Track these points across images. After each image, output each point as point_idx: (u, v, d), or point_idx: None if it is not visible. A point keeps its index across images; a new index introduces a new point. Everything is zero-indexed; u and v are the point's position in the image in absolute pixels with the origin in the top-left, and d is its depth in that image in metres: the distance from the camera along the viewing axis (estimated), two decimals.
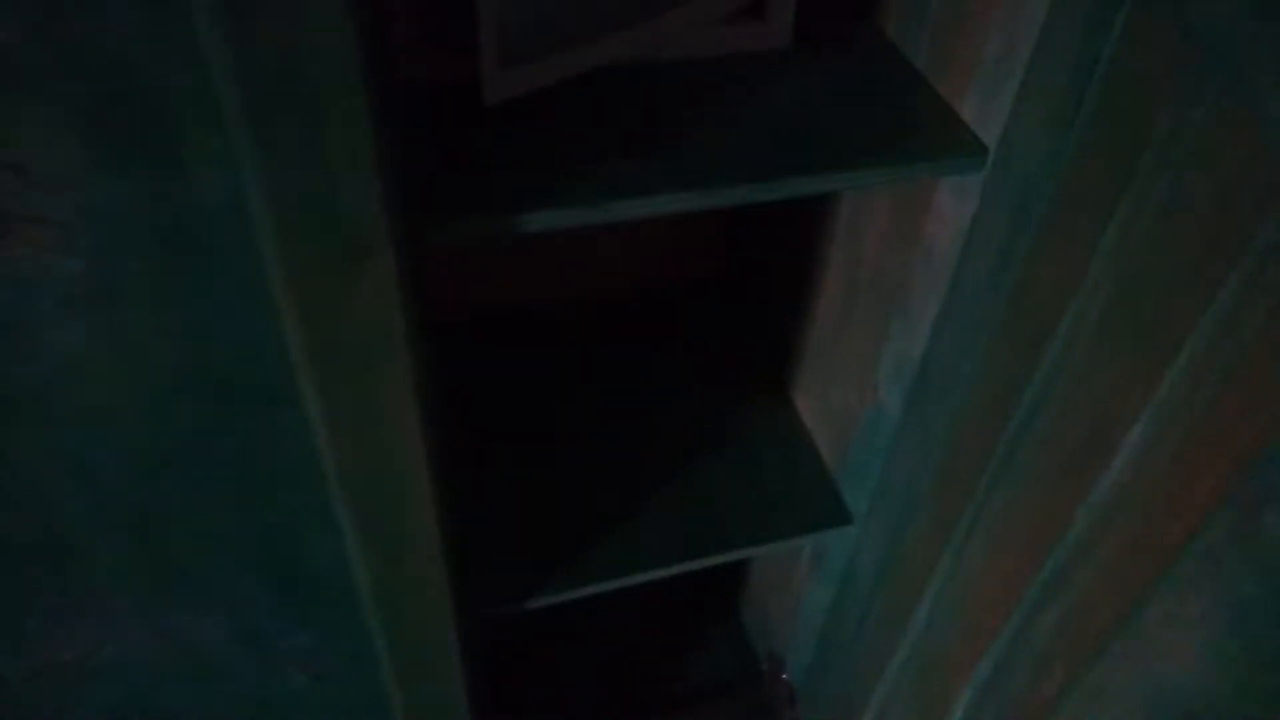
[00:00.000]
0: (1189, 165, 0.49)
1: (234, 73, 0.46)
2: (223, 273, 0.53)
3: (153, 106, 0.47)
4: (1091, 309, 0.58)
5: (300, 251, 0.53)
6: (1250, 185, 0.44)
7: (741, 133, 0.72)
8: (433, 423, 0.71)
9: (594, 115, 0.72)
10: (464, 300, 1.21)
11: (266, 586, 0.72)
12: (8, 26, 0.43)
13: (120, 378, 0.56)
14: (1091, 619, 0.60)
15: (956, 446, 0.80)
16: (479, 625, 0.96)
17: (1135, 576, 0.51)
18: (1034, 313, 0.66)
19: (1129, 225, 0.54)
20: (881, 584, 0.99)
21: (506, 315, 1.23)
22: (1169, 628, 0.49)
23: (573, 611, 1.47)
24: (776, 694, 1.34)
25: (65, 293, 0.52)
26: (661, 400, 1.14)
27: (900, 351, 0.89)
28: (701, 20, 0.76)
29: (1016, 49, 0.68)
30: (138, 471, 0.62)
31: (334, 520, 0.68)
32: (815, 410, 1.11)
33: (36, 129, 0.46)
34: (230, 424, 0.60)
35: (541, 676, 1.41)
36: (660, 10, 0.73)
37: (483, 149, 0.67)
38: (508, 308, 1.24)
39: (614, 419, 1.12)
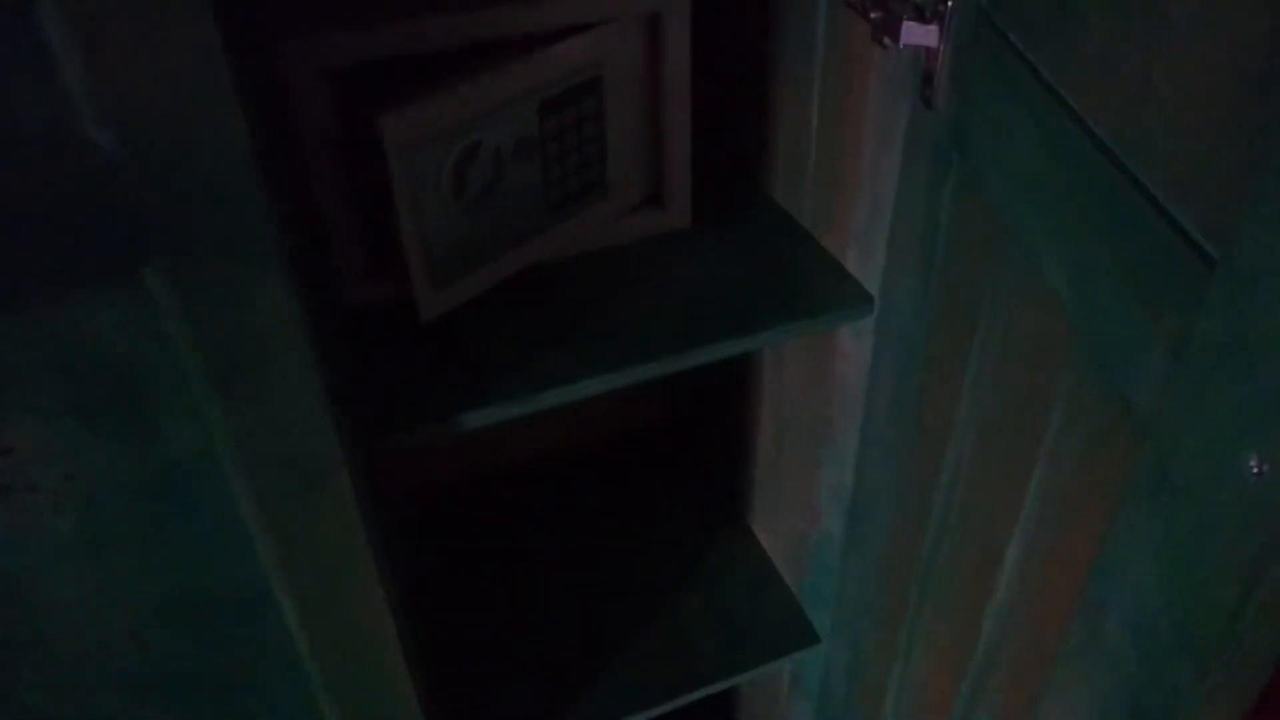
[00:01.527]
0: (1009, 321, 0.57)
1: (197, 347, 0.54)
2: (198, 512, 0.60)
3: (127, 381, 0.54)
4: (967, 439, 0.66)
5: (265, 486, 0.60)
6: (1046, 337, 0.52)
7: (655, 311, 0.81)
8: (404, 605, 0.77)
9: (520, 313, 0.80)
10: (423, 468, 1.28)
11: None
12: (6, 340, 0.50)
13: (111, 614, 0.62)
14: None
15: (890, 565, 0.86)
16: None
17: (1032, 679, 0.58)
18: (928, 442, 0.74)
19: (980, 369, 0.62)
20: (852, 696, 1.04)
21: (468, 476, 1.30)
22: None
23: None
24: None
25: (56, 547, 0.58)
26: (627, 544, 1.20)
27: (833, 479, 0.97)
28: (609, 215, 0.86)
29: (881, 211, 0.78)
30: (132, 694, 0.67)
31: (320, 713, 0.73)
32: (772, 538, 1.17)
33: (25, 415, 0.53)
34: (216, 642, 0.66)
35: None
36: (571, 213, 0.83)
37: (422, 361, 0.75)
38: (469, 469, 1.30)
39: (581, 567, 1.17)
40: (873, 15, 0.67)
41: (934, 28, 0.63)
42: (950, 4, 0.61)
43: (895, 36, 0.64)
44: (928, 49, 0.65)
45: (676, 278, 0.84)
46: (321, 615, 0.67)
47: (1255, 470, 0.37)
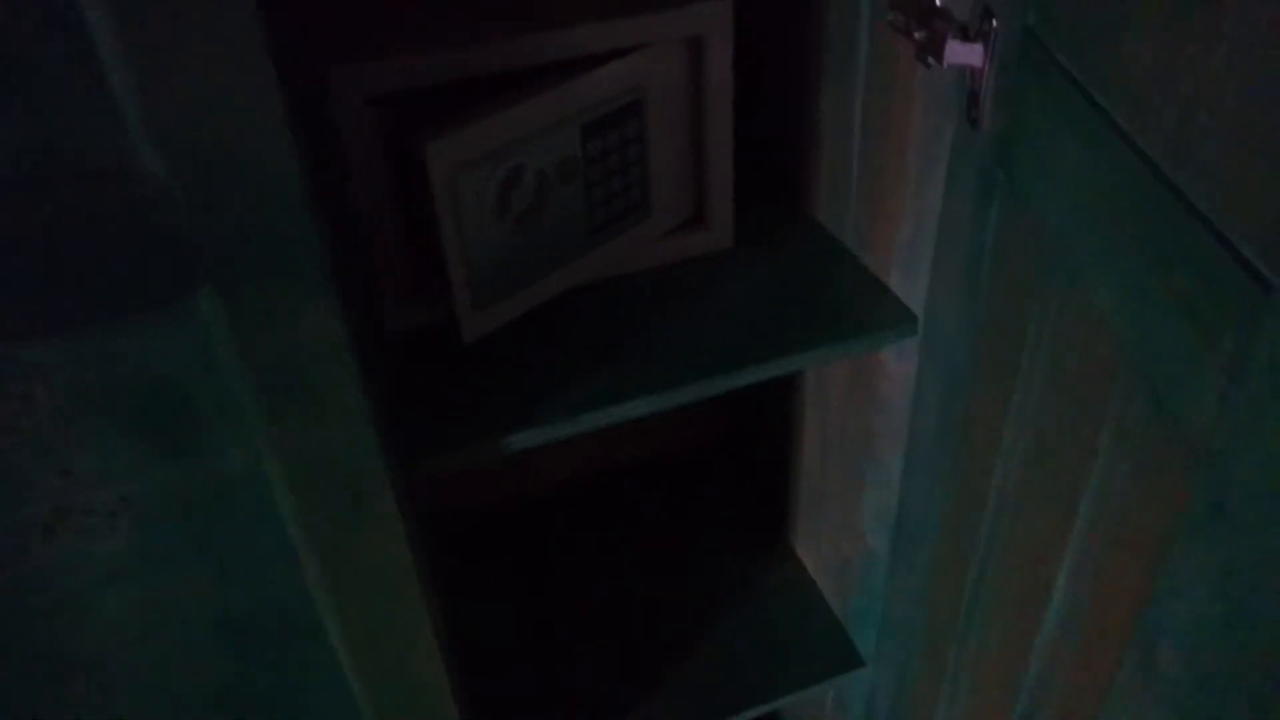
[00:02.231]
0: (1057, 340, 0.56)
1: (246, 369, 0.55)
2: (245, 532, 0.61)
3: (180, 404, 0.55)
4: (1013, 462, 0.65)
5: (312, 505, 0.60)
6: (1095, 360, 0.52)
7: (698, 331, 0.81)
8: (447, 626, 0.77)
9: (564, 334, 0.81)
10: (463, 487, 1.28)
11: None
12: (65, 361, 0.52)
13: (162, 635, 0.63)
14: None
15: (936, 590, 0.85)
16: None
17: (1084, 711, 0.56)
18: (974, 464, 0.73)
19: (1027, 390, 0.61)
20: None
21: (509, 495, 1.30)
22: None
23: None
24: None
25: (110, 569, 0.59)
26: (669, 565, 1.19)
27: (878, 499, 0.96)
28: (651, 236, 0.86)
29: (924, 231, 0.77)
30: (182, 713, 0.68)
31: None
32: (816, 560, 1.16)
33: (84, 438, 0.55)
34: (263, 663, 0.67)
35: None
36: (613, 234, 0.83)
37: (465, 382, 0.76)
38: (510, 488, 1.31)
39: (623, 588, 1.17)
40: (916, 35, 0.66)
41: (978, 47, 0.63)
42: (995, 23, 0.61)
43: (939, 56, 0.64)
44: (972, 68, 0.64)
45: (719, 298, 0.84)
46: (366, 636, 0.67)
47: None
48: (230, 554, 0.61)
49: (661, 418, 1.33)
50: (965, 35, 0.63)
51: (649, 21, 0.76)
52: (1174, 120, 0.43)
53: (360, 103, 0.71)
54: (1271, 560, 0.39)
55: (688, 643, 1.10)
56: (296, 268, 0.52)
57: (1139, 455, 0.49)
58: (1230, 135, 0.40)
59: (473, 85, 0.72)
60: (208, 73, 0.46)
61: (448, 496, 1.26)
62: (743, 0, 0.79)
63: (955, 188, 0.70)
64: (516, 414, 0.73)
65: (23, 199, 0.47)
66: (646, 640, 1.11)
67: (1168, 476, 0.46)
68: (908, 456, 0.87)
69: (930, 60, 0.65)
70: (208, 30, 0.45)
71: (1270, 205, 0.38)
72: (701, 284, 0.86)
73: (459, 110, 0.71)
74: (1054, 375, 0.58)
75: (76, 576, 0.58)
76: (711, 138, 0.83)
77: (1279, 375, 0.37)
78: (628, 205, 0.83)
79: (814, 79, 0.88)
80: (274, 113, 0.48)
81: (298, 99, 0.51)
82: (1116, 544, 0.53)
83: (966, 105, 0.66)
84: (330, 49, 0.72)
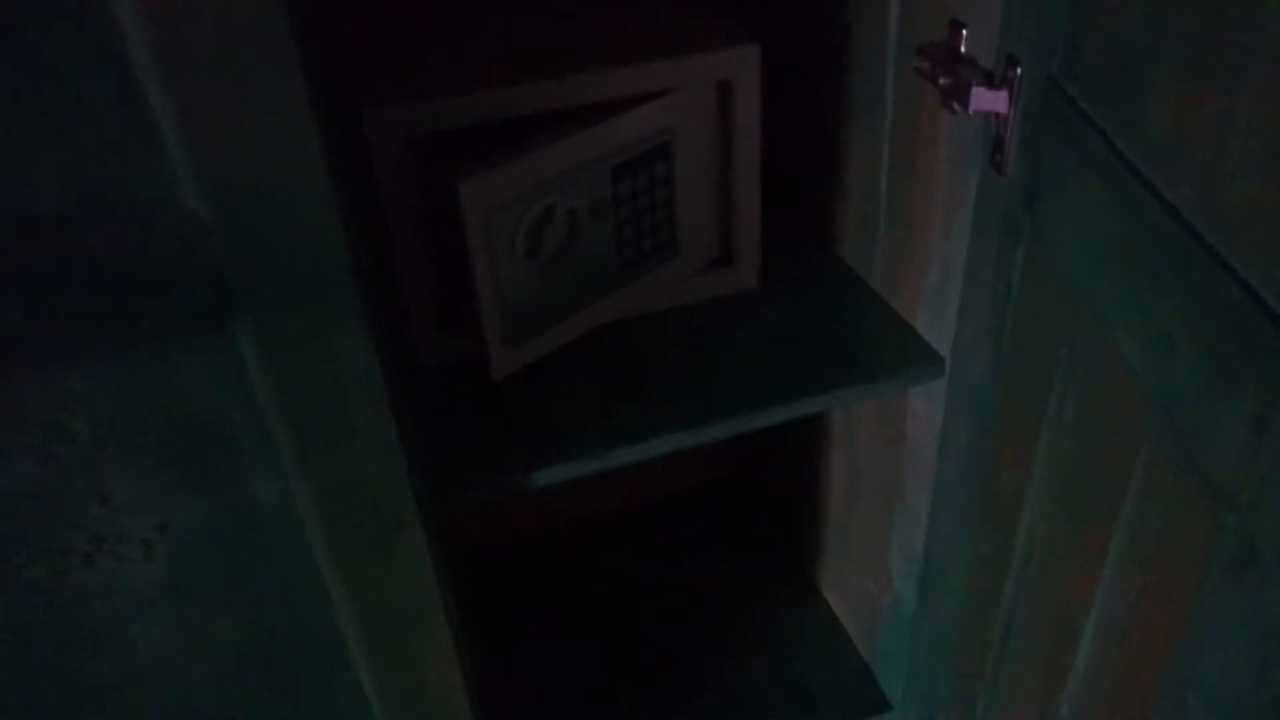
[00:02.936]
0: (1084, 385, 0.56)
1: (281, 401, 0.56)
2: (276, 561, 0.62)
3: (215, 434, 0.57)
4: (1041, 506, 0.65)
5: (342, 536, 0.61)
6: (1122, 406, 0.52)
7: (725, 370, 0.81)
8: (469, 660, 0.77)
9: (592, 371, 0.82)
10: (489, 522, 1.29)
11: None
12: (103, 391, 0.53)
13: (193, 660, 0.64)
14: None
15: (964, 633, 0.84)
16: None
17: None
18: (1001, 508, 0.72)
19: (1055, 433, 0.61)
20: None
21: (532, 528, 1.30)
22: None
23: None
24: None
25: (145, 595, 0.60)
26: (693, 603, 1.19)
27: (905, 541, 0.95)
28: (679, 275, 0.87)
29: (951, 274, 0.77)
30: None
31: None
32: (842, 600, 1.15)
33: (122, 467, 0.56)
34: (291, 691, 0.67)
35: None
36: (642, 273, 0.84)
37: (494, 418, 0.77)
38: (533, 521, 1.31)
39: (646, 625, 1.16)
40: (942, 81, 0.67)
41: (1003, 94, 0.64)
42: (1020, 71, 0.61)
43: (965, 102, 0.65)
44: (997, 115, 0.65)
45: (746, 337, 0.85)
46: (392, 667, 0.68)
47: None
48: (261, 583, 0.62)
49: (687, 451, 1.33)
50: (990, 82, 0.64)
51: (680, 66, 0.77)
52: (1200, 170, 0.44)
53: (396, 143, 0.72)
54: None
55: (711, 682, 1.09)
56: (332, 302, 0.54)
57: (1168, 503, 0.49)
58: (1258, 186, 0.40)
59: (506, 124, 0.74)
60: (249, 116, 0.47)
61: (466, 528, 1.26)
62: (771, 44, 0.80)
63: (981, 232, 0.71)
64: (544, 449, 0.73)
65: (70, 234, 0.48)
66: (669, 679, 1.10)
67: (1197, 524, 0.46)
68: (935, 497, 0.87)
69: (956, 106, 0.66)
70: (250, 77, 0.46)
71: None
72: (728, 323, 0.87)
73: (492, 148, 0.72)
74: (1081, 420, 0.58)
75: (112, 603, 0.59)
76: (739, 179, 0.84)
77: None
78: (656, 244, 0.84)
79: (841, 122, 0.89)
80: (312, 155, 0.50)
81: (334, 138, 0.53)
82: (1145, 592, 0.52)
83: (991, 151, 0.66)
84: (367, 87, 0.74)
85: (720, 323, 0.87)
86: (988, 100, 0.64)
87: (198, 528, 0.59)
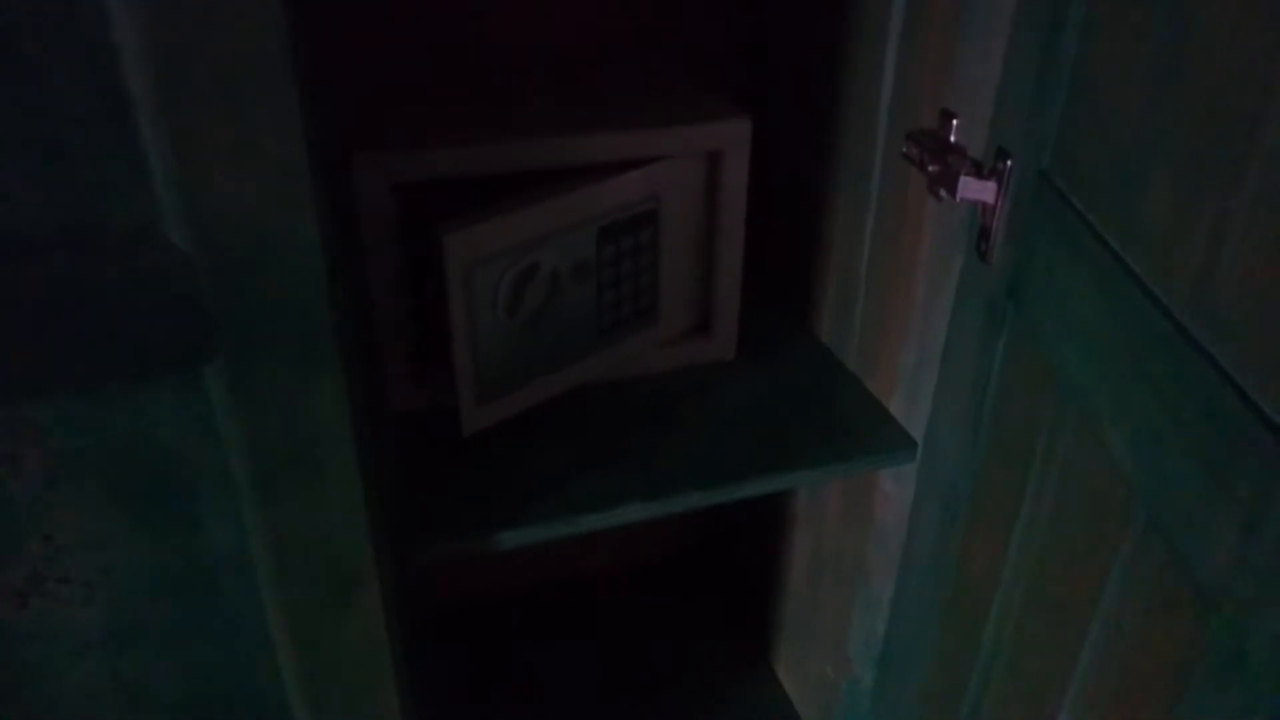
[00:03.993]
0: (1065, 478, 0.56)
1: (246, 446, 0.54)
2: (224, 611, 0.59)
3: (174, 475, 0.54)
4: (1013, 599, 0.64)
5: (296, 589, 0.59)
6: (1105, 501, 0.51)
7: (696, 441, 0.80)
8: None
9: (561, 433, 0.80)
10: (452, 580, 1.25)
11: None
12: (62, 423, 0.51)
13: (128, 713, 0.60)
14: None
15: None
16: None
17: None
18: (970, 598, 0.72)
19: (1031, 524, 0.61)
20: None
21: (489, 590, 1.27)
22: None
23: None
24: None
25: (83, 641, 0.57)
26: (647, 676, 1.16)
27: (867, 626, 0.94)
28: (657, 342, 0.87)
29: (928, 357, 0.78)
30: None
31: None
32: (798, 682, 1.13)
33: (71, 503, 0.53)
34: None
35: None
36: (620, 338, 0.84)
37: (460, 475, 0.75)
38: (491, 583, 1.28)
39: (599, 697, 1.13)
40: (930, 168, 0.68)
41: (992, 184, 0.64)
42: (1010, 163, 0.62)
43: (952, 190, 0.66)
44: (984, 204, 0.66)
45: (719, 409, 0.84)
46: None
47: None
48: (205, 634, 0.59)
49: (650, 519, 1.31)
50: (979, 172, 0.65)
51: (671, 135, 0.78)
52: (1193, 270, 0.44)
53: (384, 189, 0.72)
54: None
55: None
56: (310, 347, 0.52)
57: (1149, 602, 0.48)
58: (1252, 288, 0.41)
59: (495, 181, 0.74)
60: (243, 153, 0.46)
61: (422, 586, 1.23)
62: (761, 117, 0.81)
63: (962, 318, 0.71)
64: (510, 512, 0.72)
65: (48, 259, 0.47)
66: None
67: (1180, 627, 0.45)
68: (900, 582, 0.86)
69: (943, 193, 0.67)
70: (247, 114, 0.46)
71: None
72: (702, 394, 0.86)
73: (477, 202, 0.72)
74: (1060, 514, 0.57)
75: (45, 648, 0.56)
76: (722, 250, 0.85)
77: None
78: (636, 310, 0.84)
79: (826, 200, 0.90)
80: (303, 195, 0.48)
81: (325, 181, 0.52)
82: (1121, 696, 0.51)
83: (977, 239, 0.67)
84: (359, 132, 0.73)
85: (694, 393, 0.86)
86: (975, 190, 0.65)
87: (144, 572, 0.56)
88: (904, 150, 0.70)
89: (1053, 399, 0.58)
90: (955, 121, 0.69)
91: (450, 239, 0.68)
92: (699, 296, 0.88)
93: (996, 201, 0.64)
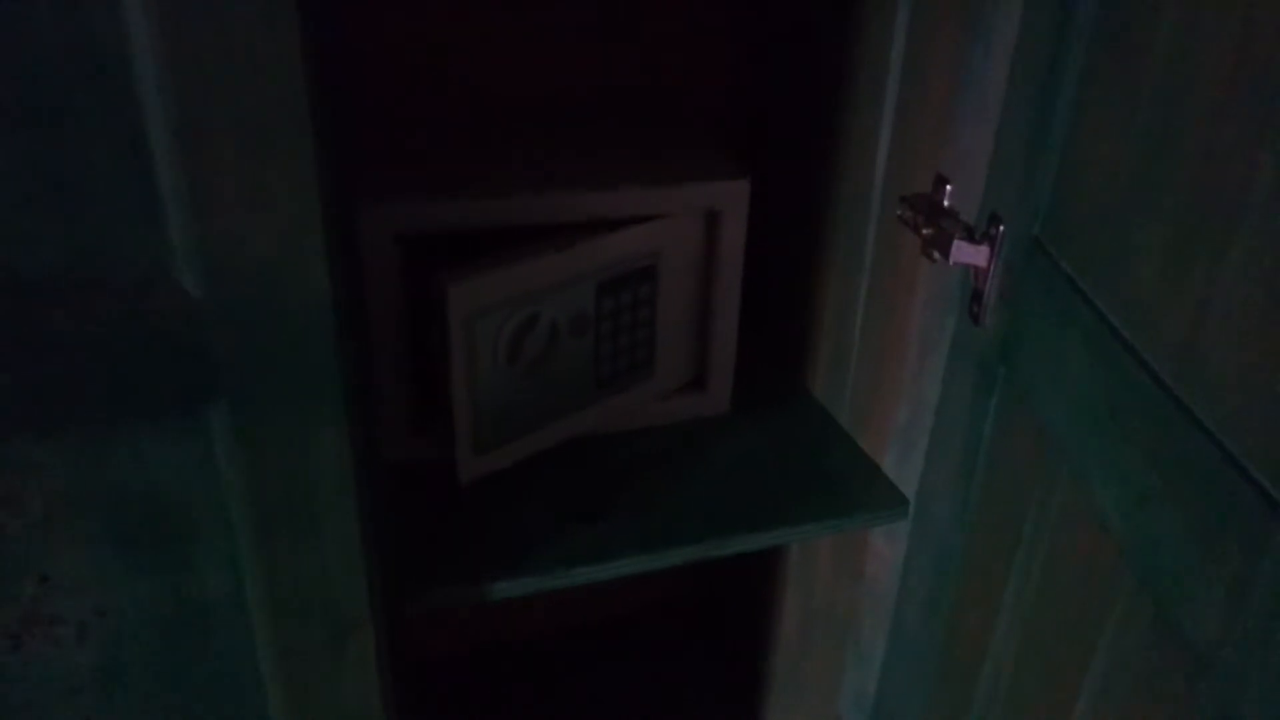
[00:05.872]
0: (1056, 539, 0.57)
1: (246, 490, 0.54)
2: (217, 656, 0.59)
3: (172, 517, 0.54)
4: (1005, 658, 0.64)
5: (290, 635, 0.59)
6: (1096, 562, 0.52)
7: (691, 495, 0.81)
8: None
9: (557, 485, 0.80)
10: (442, 628, 1.24)
11: None
12: (64, 462, 0.51)
13: None
14: None
15: None
16: None
17: None
18: (962, 657, 0.72)
19: (1023, 584, 0.62)
20: None
21: (484, 639, 1.26)
22: None
23: None
24: None
25: (73, 683, 0.57)
26: None
27: (858, 684, 0.93)
28: (652, 395, 0.88)
29: (921, 415, 0.79)
30: None
31: None
32: None
33: (68, 544, 0.53)
34: None
35: None
36: (616, 390, 0.84)
37: (455, 525, 0.75)
38: (481, 639, 1.27)
39: None
40: (924, 231, 0.70)
41: (984, 249, 0.66)
42: (1002, 229, 0.64)
43: (945, 253, 0.67)
44: (977, 268, 0.67)
45: (713, 463, 0.85)
46: None
47: None
48: (196, 679, 0.59)
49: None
50: (971, 236, 0.67)
51: (672, 193, 0.79)
52: (1180, 335, 0.46)
53: (387, 239, 0.73)
54: None
55: None
56: (316, 394, 0.53)
57: (1140, 662, 0.49)
58: (1238, 353, 0.42)
59: (497, 233, 0.75)
60: (259, 202, 0.48)
61: (413, 634, 1.22)
62: (759, 177, 0.83)
63: (954, 378, 0.72)
64: (506, 561, 0.72)
65: (58, 302, 0.47)
66: None
67: (1172, 689, 0.46)
68: (891, 640, 0.86)
69: (936, 255, 0.68)
70: (266, 163, 0.47)
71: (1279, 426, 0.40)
72: (695, 448, 0.87)
73: (481, 255, 0.73)
74: (1051, 574, 0.58)
75: (34, 690, 0.56)
76: (718, 306, 0.86)
77: None
78: (633, 363, 0.85)
79: (821, 259, 0.92)
80: (316, 244, 0.50)
81: (335, 230, 0.53)
82: None
83: (969, 302, 0.69)
84: (365, 183, 0.74)
85: (688, 447, 0.87)
86: (968, 254, 0.67)
87: (138, 615, 0.56)
88: (899, 213, 0.72)
89: (1043, 460, 0.59)
90: (949, 187, 0.71)
91: (454, 290, 0.69)
92: (695, 351, 0.89)
93: (989, 265, 0.66)
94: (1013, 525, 0.62)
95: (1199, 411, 0.44)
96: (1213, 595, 0.42)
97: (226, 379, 0.51)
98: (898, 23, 0.76)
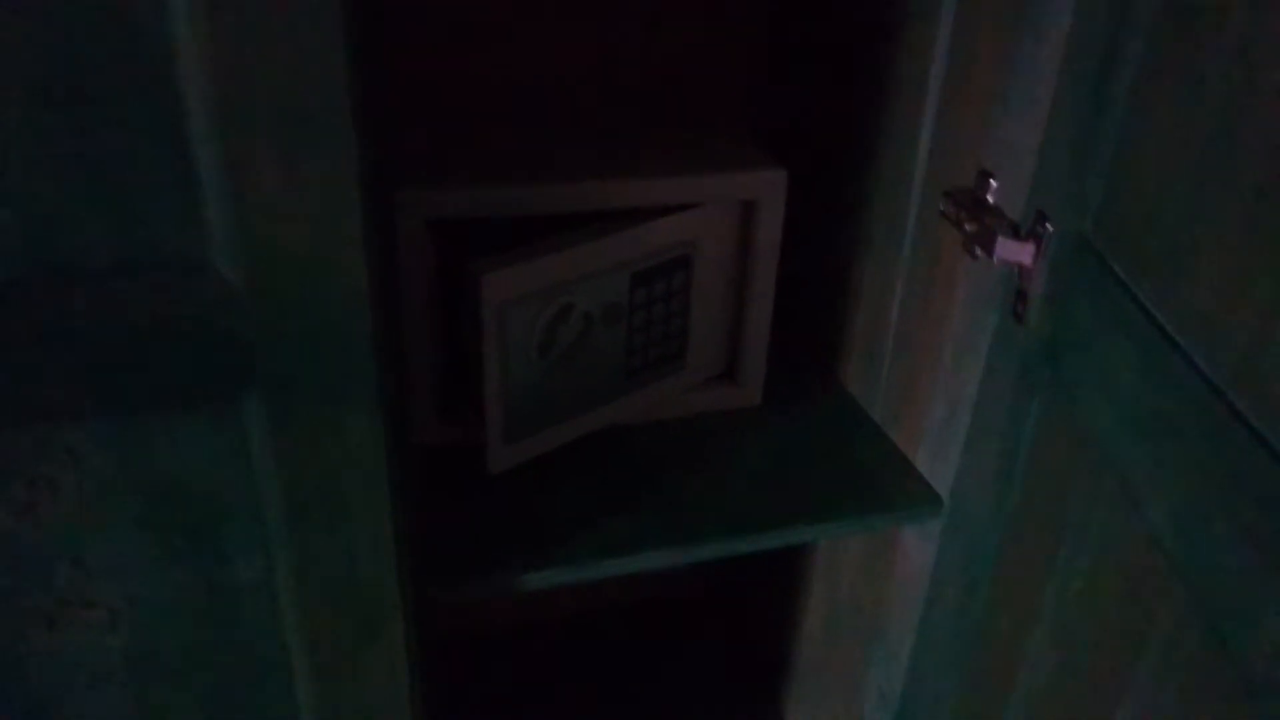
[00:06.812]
0: (1100, 550, 0.56)
1: (279, 479, 0.54)
2: (246, 643, 0.59)
3: (205, 505, 0.54)
4: (1039, 673, 0.63)
5: (319, 622, 0.58)
6: (1142, 577, 0.51)
7: (720, 488, 0.80)
8: None
9: (587, 476, 0.80)
10: (466, 613, 1.25)
11: None
12: (99, 447, 0.51)
13: None
14: None
15: None
16: None
17: None
18: (995, 660, 0.71)
19: (1062, 595, 0.60)
20: None
21: (509, 623, 1.26)
22: None
23: None
24: None
25: (104, 668, 0.57)
26: (658, 717, 1.15)
27: (883, 682, 0.93)
28: (684, 387, 0.87)
29: (957, 414, 0.77)
30: None
31: None
32: None
33: (102, 529, 0.53)
34: None
35: None
36: (648, 381, 0.84)
37: (485, 514, 0.75)
38: (506, 626, 1.27)
39: None
40: (967, 226, 0.68)
41: (1030, 246, 0.64)
42: (1049, 227, 0.63)
43: (989, 250, 0.66)
44: (1021, 266, 0.66)
45: (744, 456, 0.84)
46: None
47: None
48: (225, 665, 0.59)
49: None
50: (1016, 234, 0.65)
51: (708, 182, 0.78)
52: (1242, 345, 0.44)
53: (420, 225, 0.72)
54: None
55: None
56: (350, 383, 0.52)
57: (1187, 683, 0.47)
58: None
59: (530, 222, 0.74)
60: (298, 189, 0.47)
61: (439, 619, 1.22)
62: (797, 169, 0.82)
63: (994, 378, 0.71)
64: (536, 552, 0.71)
65: (100, 291, 0.47)
66: None
67: (1221, 706, 0.44)
68: (919, 640, 0.85)
69: (979, 252, 0.67)
70: (305, 150, 0.46)
71: None
72: (727, 440, 0.86)
73: (509, 237, 0.72)
74: (1093, 587, 0.57)
75: (67, 672, 0.56)
76: (752, 298, 0.85)
77: None
78: (665, 354, 0.84)
79: (858, 252, 0.90)
80: (354, 232, 0.49)
81: (372, 217, 0.53)
82: None
83: (1013, 301, 0.67)
84: (400, 169, 0.74)
85: (719, 439, 0.86)
86: (1013, 251, 0.65)
87: (169, 600, 0.56)
88: (941, 208, 0.71)
89: (1089, 466, 0.57)
90: (993, 182, 0.69)
91: (487, 279, 0.68)
92: (727, 342, 0.88)
93: (1034, 264, 0.64)
94: (1053, 531, 0.61)
95: (1261, 426, 0.43)
96: (1273, 619, 0.41)
97: (263, 367, 0.51)
98: (944, 5, 0.74)
